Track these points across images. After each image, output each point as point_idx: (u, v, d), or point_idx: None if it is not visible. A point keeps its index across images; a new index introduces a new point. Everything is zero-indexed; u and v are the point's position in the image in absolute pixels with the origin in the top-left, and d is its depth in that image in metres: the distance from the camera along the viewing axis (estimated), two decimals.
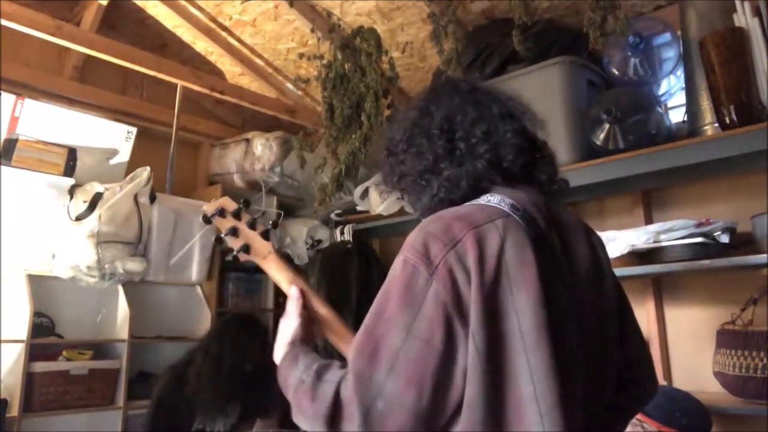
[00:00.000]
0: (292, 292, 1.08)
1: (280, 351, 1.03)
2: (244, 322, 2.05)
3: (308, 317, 1.07)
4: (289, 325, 1.06)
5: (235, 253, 1.14)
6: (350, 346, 0.86)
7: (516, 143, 0.96)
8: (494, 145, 0.95)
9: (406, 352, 0.79)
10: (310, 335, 1.07)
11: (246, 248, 1.13)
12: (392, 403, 0.78)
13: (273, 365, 1.02)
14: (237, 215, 1.16)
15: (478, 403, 0.77)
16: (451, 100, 1.01)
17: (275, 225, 1.22)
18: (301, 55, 2.88)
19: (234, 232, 1.14)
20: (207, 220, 1.16)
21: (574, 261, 0.93)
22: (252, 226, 1.15)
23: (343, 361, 0.91)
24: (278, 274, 1.13)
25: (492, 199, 0.91)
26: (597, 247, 1.02)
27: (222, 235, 1.15)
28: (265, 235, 1.15)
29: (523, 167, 0.96)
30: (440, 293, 0.80)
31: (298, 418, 0.90)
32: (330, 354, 1.02)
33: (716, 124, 2.01)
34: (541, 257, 0.83)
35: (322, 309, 1.09)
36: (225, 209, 1.15)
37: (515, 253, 0.82)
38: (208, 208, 1.16)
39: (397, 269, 0.86)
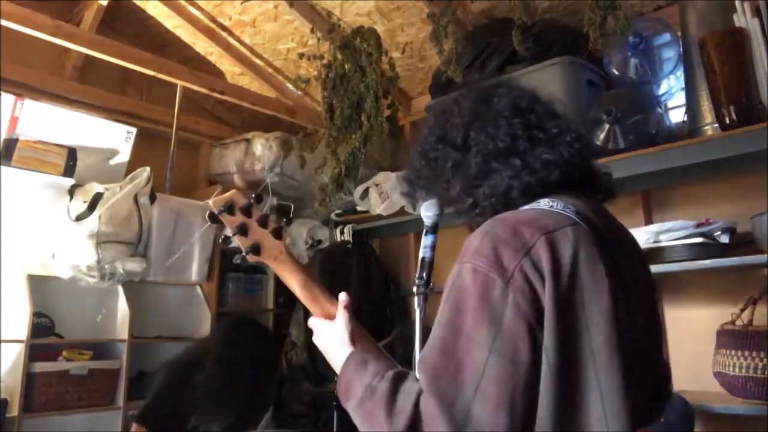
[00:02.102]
0: (343, 296, 1.00)
1: (342, 353, 0.94)
2: (252, 327, 2.06)
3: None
4: (343, 326, 0.97)
5: (243, 254, 1.03)
6: (420, 365, 0.78)
7: (579, 146, 0.91)
8: (571, 136, 0.90)
9: (490, 371, 0.72)
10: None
11: (256, 248, 1.02)
12: (484, 427, 0.71)
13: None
14: (247, 212, 1.03)
15: (547, 424, 0.73)
16: (516, 91, 0.96)
17: (288, 222, 1.13)
18: (301, 55, 2.88)
19: (243, 230, 1.03)
20: (214, 218, 1.03)
21: (631, 274, 0.88)
22: (263, 223, 1.04)
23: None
24: (289, 276, 1.03)
25: (555, 205, 0.84)
26: (643, 257, 0.99)
27: (230, 235, 1.03)
28: (277, 234, 1.04)
29: (581, 174, 0.92)
30: (520, 304, 0.74)
31: (366, 429, 0.82)
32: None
33: (716, 124, 2.01)
34: (608, 270, 0.78)
35: (334, 309, 1.02)
36: (234, 205, 1.03)
37: (588, 264, 0.77)
38: (216, 203, 1.02)
39: (466, 279, 0.78)
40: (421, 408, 0.75)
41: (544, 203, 0.85)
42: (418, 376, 0.79)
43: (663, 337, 2.27)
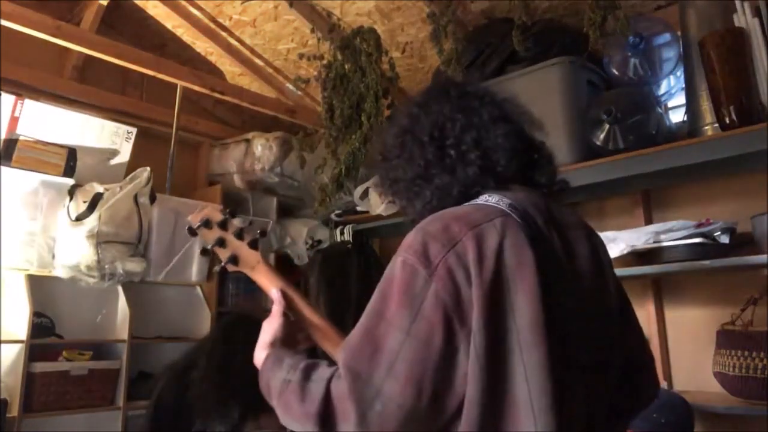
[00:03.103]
0: (274, 294, 1.07)
1: (260, 353, 1.01)
2: (248, 323, 2.05)
3: (292, 320, 1.06)
4: (270, 327, 1.04)
5: (222, 264, 1.11)
6: (343, 346, 0.84)
7: (509, 147, 0.95)
8: (485, 151, 0.94)
9: (405, 352, 0.78)
10: (294, 339, 1.06)
11: (234, 259, 1.11)
12: (391, 404, 0.77)
13: None
14: (223, 226, 1.12)
15: (476, 403, 0.76)
16: (442, 106, 1.00)
17: (263, 234, 1.17)
18: (301, 56, 2.88)
19: (221, 242, 1.11)
20: (192, 232, 1.12)
21: (575, 261, 0.93)
22: (239, 235, 1.12)
23: (332, 364, 0.89)
24: (268, 284, 1.11)
25: (490, 199, 0.90)
26: (598, 247, 1.01)
27: (208, 247, 1.11)
28: (254, 245, 1.12)
29: (521, 169, 0.96)
30: (440, 294, 0.79)
31: (286, 421, 0.88)
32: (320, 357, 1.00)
33: (716, 125, 2.01)
34: (540, 257, 0.82)
35: (311, 314, 1.07)
36: (210, 220, 1.11)
37: (513, 252, 0.81)
38: (193, 219, 1.12)
39: (395, 270, 0.84)
40: (332, 389, 0.81)
41: (481, 199, 0.91)
42: (338, 357, 0.83)
43: (663, 337, 2.28)
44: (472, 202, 0.92)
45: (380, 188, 1.07)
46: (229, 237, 1.12)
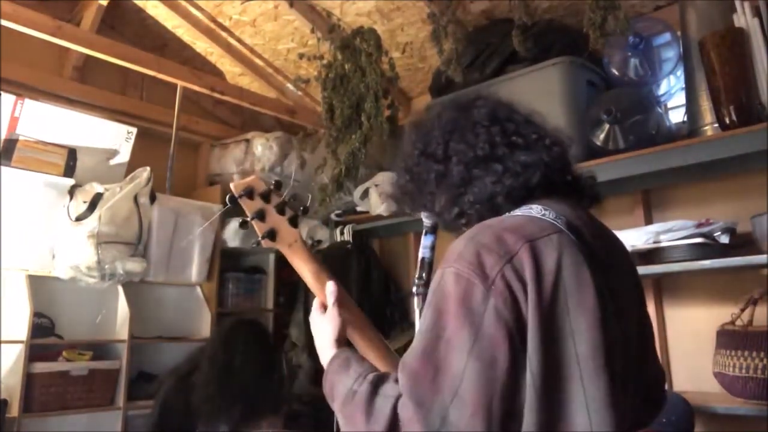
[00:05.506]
0: (330, 287, 1.02)
1: (327, 352, 0.96)
2: (250, 328, 2.06)
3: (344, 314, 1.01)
4: (330, 323, 0.99)
5: (259, 238, 1.05)
6: (401, 369, 0.79)
7: (555, 155, 0.91)
8: (531, 159, 0.89)
9: (469, 376, 0.72)
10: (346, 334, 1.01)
11: (272, 234, 1.05)
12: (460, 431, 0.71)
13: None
14: (266, 197, 1.06)
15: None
16: (494, 101, 0.97)
17: (305, 211, 1.11)
18: (301, 56, 2.89)
19: (261, 215, 1.05)
20: (233, 200, 1.06)
21: (620, 280, 0.89)
22: (281, 210, 1.06)
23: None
24: (303, 265, 1.06)
25: (547, 213, 0.84)
26: (631, 258, 0.98)
27: (248, 219, 1.05)
28: (293, 222, 1.06)
29: (560, 179, 0.92)
30: (501, 310, 0.74)
31: (348, 430, 0.84)
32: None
33: (716, 125, 2.01)
34: (596, 276, 0.78)
35: (352, 308, 1.03)
36: (254, 190, 1.06)
37: (573, 271, 0.77)
38: (236, 187, 1.06)
39: (447, 283, 0.78)
40: (399, 411, 0.76)
41: (536, 210, 0.85)
42: (398, 379, 0.79)
43: (663, 337, 2.28)
44: (526, 211, 0.86)
45: (407, 190, 1.01)
46: (270, 210, 1.06)
